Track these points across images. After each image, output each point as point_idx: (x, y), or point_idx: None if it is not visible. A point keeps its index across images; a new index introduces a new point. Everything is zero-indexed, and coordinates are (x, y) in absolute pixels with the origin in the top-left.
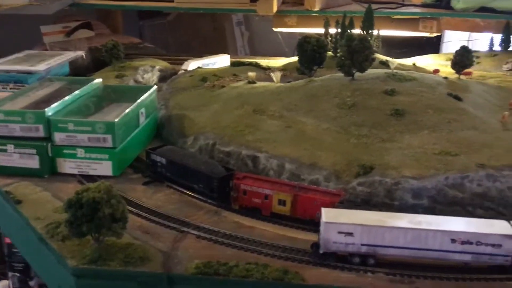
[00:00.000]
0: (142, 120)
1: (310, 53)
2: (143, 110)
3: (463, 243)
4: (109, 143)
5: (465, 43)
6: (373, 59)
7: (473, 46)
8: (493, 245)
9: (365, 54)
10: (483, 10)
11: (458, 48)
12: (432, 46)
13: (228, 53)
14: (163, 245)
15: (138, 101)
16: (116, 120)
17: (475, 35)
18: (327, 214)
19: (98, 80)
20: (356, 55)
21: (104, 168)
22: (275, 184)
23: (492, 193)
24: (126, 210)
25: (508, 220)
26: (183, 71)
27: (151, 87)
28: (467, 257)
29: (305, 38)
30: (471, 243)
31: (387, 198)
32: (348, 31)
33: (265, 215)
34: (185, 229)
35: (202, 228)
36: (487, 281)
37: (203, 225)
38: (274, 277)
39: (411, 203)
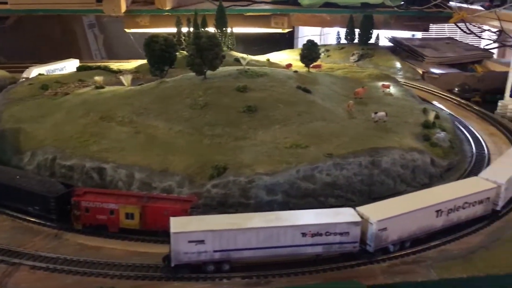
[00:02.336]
0: None
1: (159, 53)
2: None
3: (313, 235)
4: None
5: (318, 38)
6: (224, 57)
7: (325, 40)
8: (341, 234)
9: (214, 51)
10: (328, 5)
11: (305, 42)
12: (287, 41)
13: (82, 58)
14: None
15: None
16: None
17: (327, 29)
18: (175, 224)
19: None
20: (206, 53)
21: None
22: (121, 197)
23: (340, 181)
24: None
25: (355, 206)
26: (23, 79)
27: None
28: (318, 249)
29: (152, 37)
30: (320, 234)
31: (243, 198)
32: (202, 29)
33: (113, 232)
34: (16, 260)
35: (38, 257)
36: (339, 269)
37: (39, 253)
38: None
39: (266, 200)
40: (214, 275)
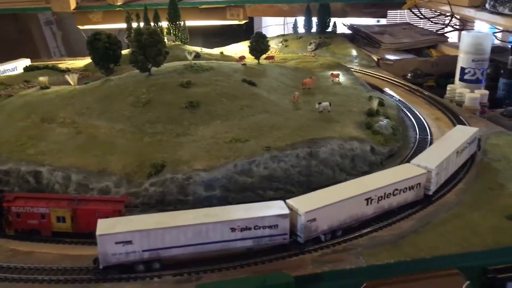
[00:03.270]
0: None
1: (102, 51)
2: None
3: (242, 230)
4: None
5: (282, 28)
6: (167, 52)
7: (289, 30)
8: (270, 227)
9: (157, 48)
10: None
11: (253, 35)
12: (246, 33)
13: (39, 57)
14: None
15: None
16: None
17: (290, 19)
18: (102, 226)
19: None
20: (148, 49)
21: None
22: (52, 201)
23: (278, 174)
24: None
25: (295, 197)
26: None
27: None
28: (248, 243)
29: (95, 34)
30: (249, 228)
31: (181, 195)
32: (155, 24)
33: (46, 236)
34: None
35: None
36: (270, 261)
37: None
38: None
39: (204, 196)
40: (144, 275)
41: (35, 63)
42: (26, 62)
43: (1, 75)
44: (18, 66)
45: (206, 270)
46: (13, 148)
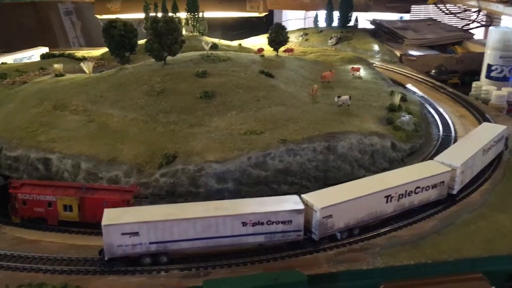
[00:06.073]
0: None
1: (118, 39)
2: None
3: (254, 224)
4: None
5: (302, 22)
6: (183, 42)
7: (309, 24)
8: (283, 222)
9: (173, 36)
10: None
11: (273, 26)
12: (265, 26)
13: (58, 46)
14: None
15: None
16: None
17: (310, 13)
18: (108, 216)
19: None
20: (164, 38)
21: None
22: (59, 189)
23: (294, 168)
24: None
25: (301, 193)
26: None
27: None
28: (260, 238)
29: (111, 22)
30: (262, 223)
31: (192, 186)
32: (173, 14)
33: (52, 225)
34: None
35: None
36: (283, 259)
37: None
38: None
39: (216, 188)
40: (151, 268)
41: (53, 51)
42: (44, 50)
43: (17, 62)
44: (36, 54)
45: (215, 266)
46: (24, 134)
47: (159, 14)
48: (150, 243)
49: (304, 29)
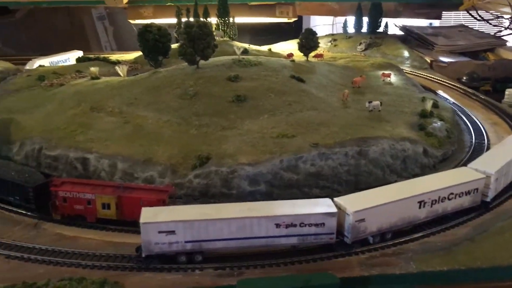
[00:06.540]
0: None
1: (153, 43)
2: None
3: (287, 226)
4: None
5: (330, 27)
6: (216, 46)
7: (338, 30)
8: (316, 225)
9: (206, 41)
10: None
11: (303, 31)
12: (294, 32)
13: (91, 50)
14: None
15: None
16: None
17: (339, 19)
18: (145, 214)
19: None
20: (197, 42)
21: None
22: (97, 187)
23: (326, 172)
24: None
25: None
26: (25, 71)
27: None
28: (293, 240)
29: (146, 27)
30: (295, 225)
31: (225, 188)
32: (204, 19)
33: (90, 222)
34: None
35: (14, 247)
36: (315, 261)
37: (16, 243)
38: None
39: (248, 190)
40: (186, 266)
41: (88, 55)
42: (79, 54)
43: (54, 65)
44: (71, 57)
45: (249, 266)
46: (63, 134)
47: (191, 19)
48: (186, 241)
49: (333, 34)
